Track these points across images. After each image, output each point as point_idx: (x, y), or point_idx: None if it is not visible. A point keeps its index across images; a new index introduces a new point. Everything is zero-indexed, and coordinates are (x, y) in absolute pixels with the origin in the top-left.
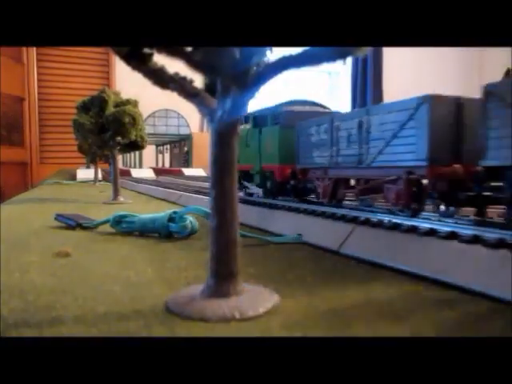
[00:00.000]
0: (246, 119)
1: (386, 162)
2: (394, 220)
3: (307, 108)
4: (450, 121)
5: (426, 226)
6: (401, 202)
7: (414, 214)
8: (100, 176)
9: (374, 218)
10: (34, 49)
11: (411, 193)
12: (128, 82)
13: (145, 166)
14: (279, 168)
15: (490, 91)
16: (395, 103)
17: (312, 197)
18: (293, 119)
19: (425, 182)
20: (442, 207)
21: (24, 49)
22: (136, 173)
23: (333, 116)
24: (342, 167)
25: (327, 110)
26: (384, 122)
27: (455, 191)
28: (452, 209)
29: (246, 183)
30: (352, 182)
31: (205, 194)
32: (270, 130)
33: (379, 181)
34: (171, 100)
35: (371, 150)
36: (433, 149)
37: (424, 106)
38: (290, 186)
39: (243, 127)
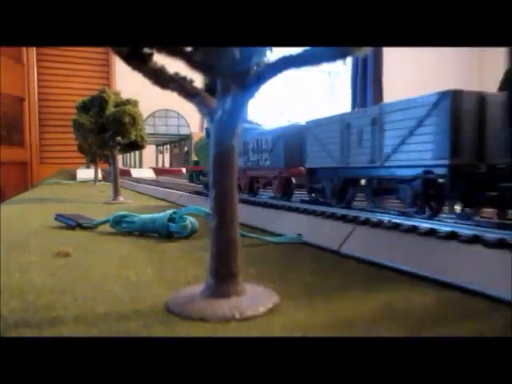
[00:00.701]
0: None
1: (270, 165)
2: (394, 220)
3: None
4: (296, 143)
5: (425, 226)
6: (279, 191)
7: (288, 199)
8: (100, 176)
9: (374, 217)
10: (34, 49)
11: (284, 185)
12: (128, 81)
13: (145, 166)
14: None
15: (306, 125)
16: (276, 129)
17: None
18: None
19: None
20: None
21: (24, 49)
22: (136, 173)
23: (244, 135)
24: (251, 169)
25: (258, 128)
26: (267, 141)
27: (306, 184)
28: (314, 195)
29: (203, 179)
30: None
31: (204, 194)
32: None
33: (268, 177)
34: (171, 100)
35: (263, 158)
36: (286, 159)
37: (281, 137)
38: None
39: (205, 139)
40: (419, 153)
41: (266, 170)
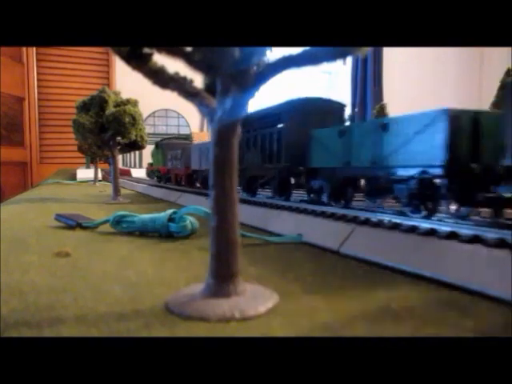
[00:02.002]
0: (157, 145)
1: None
2: (394, 220)
3: (175, 141)
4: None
5: (426, 226)
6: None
7: (192, 186)
8: (100, 176)
9: (374, 218)
10: (34, 49)
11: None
12: (128, 81)
13: (145, 165)
14: (162, 168)
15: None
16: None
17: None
18: (167, 146)
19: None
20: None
21: (24, 49)
22: (136, 173)
23: (174, 147)
24: (176, 168)
25: (187, 142)
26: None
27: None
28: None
29: (158, 174)
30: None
31: (204, 194)
32: (160, 151)
33: (180, 174)
34: (171, 100)
35: (194, 162)
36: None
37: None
38: (167, 176)
39: (155, 148)
40: (208, 164)
41: (181, 169)
